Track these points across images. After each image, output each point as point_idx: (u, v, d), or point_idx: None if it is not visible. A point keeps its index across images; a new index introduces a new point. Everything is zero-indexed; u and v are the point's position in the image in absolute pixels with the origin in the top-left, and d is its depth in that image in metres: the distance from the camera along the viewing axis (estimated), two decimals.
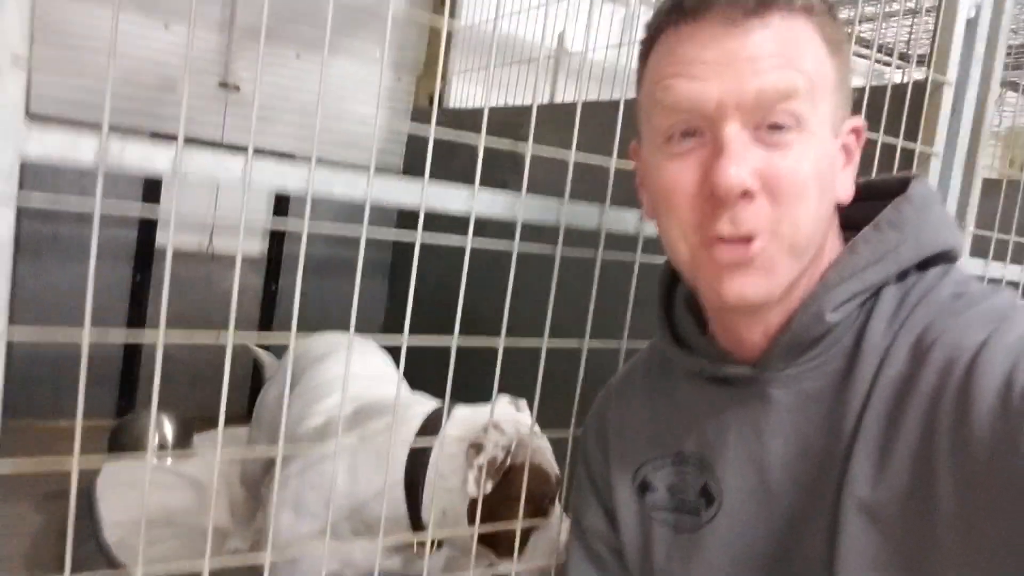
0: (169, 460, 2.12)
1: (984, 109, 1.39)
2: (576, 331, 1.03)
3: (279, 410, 1.73)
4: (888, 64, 3.15)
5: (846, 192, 0.69)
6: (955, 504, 0.56)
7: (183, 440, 2.17)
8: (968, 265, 1.44)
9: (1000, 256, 1.47)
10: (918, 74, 1.41)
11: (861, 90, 1.40)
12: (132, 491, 1.89)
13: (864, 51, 3.05)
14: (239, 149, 2.60)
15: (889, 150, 1.28)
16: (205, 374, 2.62)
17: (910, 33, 2.73)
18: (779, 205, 0.62)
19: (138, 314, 2.65)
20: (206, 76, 2.54)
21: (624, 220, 1.03)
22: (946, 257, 0.69)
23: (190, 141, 2.11)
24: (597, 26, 3.10)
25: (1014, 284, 1.52)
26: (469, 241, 0.95)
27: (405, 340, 0.93)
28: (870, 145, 1.24)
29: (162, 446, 2.12)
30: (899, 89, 1.34)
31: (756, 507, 0.70)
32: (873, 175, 1.27)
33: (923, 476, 0.59)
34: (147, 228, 2.59)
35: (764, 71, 0.61)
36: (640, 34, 0.73)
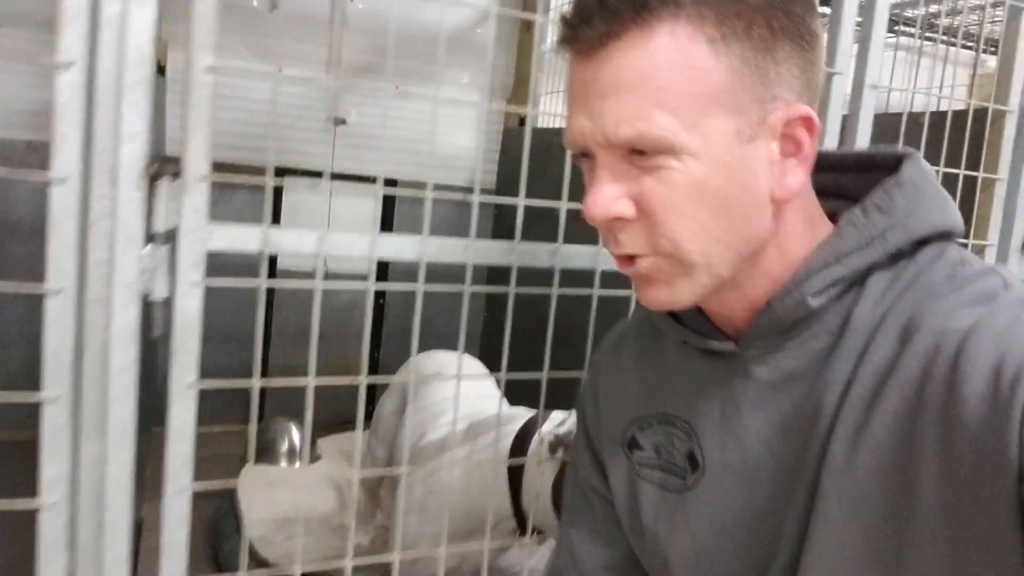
0: (298, 464, 2.37)
1: None
2: None
3: (396, 424, 1.94)
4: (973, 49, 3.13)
5: (785, 188, 0.63)
6: (936, 494, 0.56)
7: (309, 445, 2.42)
8: None
9: None
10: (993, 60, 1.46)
11: (920, 114, 1.47)
12: (269, 491, 2.14)
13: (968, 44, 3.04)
14: (347, 178, 2.91)
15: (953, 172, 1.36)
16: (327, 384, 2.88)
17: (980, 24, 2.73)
18: (655, 226, 0.61)
19: (267, 323, 2.91)
20: (316, 112, 2.79)
21: None
22: (943, 236, 0.66)
23: (302, 173, 2.45)
24: None
25: None
26: (555, 291, 1.12)
27: (504, 375, 1.12)
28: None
29: (292, 451, 2.37)
30: (960, 116, 1.42)
31: (736, 481, 0.70)
32: None
33: (902, 462, 0.58)
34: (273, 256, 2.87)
35: (609, 112, 0.60)
36: None
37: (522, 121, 2.99)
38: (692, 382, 0.75)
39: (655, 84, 0.58)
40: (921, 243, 0.65)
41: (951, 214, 0.67)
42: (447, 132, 3.00)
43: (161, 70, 2.54)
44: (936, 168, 1.34)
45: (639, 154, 0.60)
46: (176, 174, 0.88)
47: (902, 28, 3.14)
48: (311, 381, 0.99)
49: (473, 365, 1.99)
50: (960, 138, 1.38)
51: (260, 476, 2.19)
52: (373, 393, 3.18)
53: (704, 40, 0.59)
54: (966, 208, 1.42)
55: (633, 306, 1.13)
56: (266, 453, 2.33)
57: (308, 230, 0.96)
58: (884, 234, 0.64)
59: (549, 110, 2.98)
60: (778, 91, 0.61)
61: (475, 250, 1.06)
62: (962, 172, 1.37)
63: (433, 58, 2.76)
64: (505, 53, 3.05)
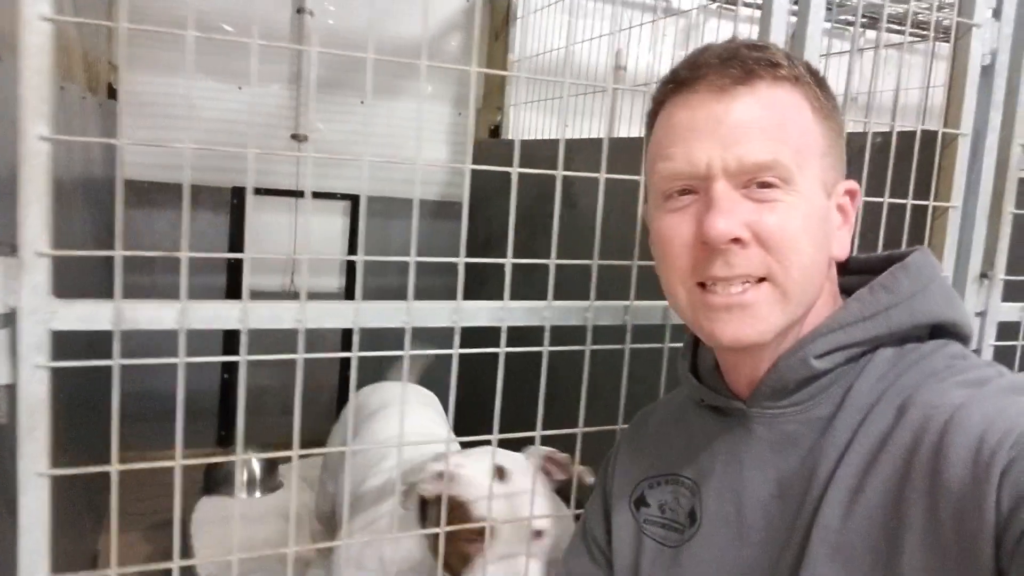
0: (258, 494, 2.32)
1: (1008, 155, 1.35)
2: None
3: (341, 461, 1.87)
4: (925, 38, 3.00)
5: (841, 249, 0.74)
6: (920, 556, 0.60)
7: (269, 474, 2.36)
8: (1002, 311, 1.41)
9: None
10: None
11: (862, 135, 1.38)
12: (223, 525, 2.09)
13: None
14: (313, 195, 2.79)
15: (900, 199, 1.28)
16: (293, 405, 2.82)
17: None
18: (770, 252, 0.68)
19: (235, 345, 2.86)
20: (279, 129, 2.72)
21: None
22: (950, 332, 0.73)
23: (267, 191, 2.36)
24: (660, 43, 3.09)
25: None
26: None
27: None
28: (876, 206, 1.24)
29: (251, 482, 2.32)
30: (907, 138, 1.32)
31: (729, 536, 0.75)
32: (881, 230, 1.27)
33: (891, 525, 0.62)
34: (235, 272, 2.80)
35: (746, 140, 0.67)
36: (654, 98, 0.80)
37: (492, 132, 2.91)
38: (703, 441, 0.80)
39: (784, 124, 0.69)
40: (932, 335, 0.72)
41: (958, 309, 0.74)
42: (414, 145, 2.93)
43: (112, 93, 2.49)
44: (880, 199, 1.26)
45: (761, 186, 0.68)
46: (13, 250, 0.82)
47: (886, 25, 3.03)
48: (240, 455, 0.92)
49: (422, 399, 1.92)
50: (908, 163, 1.29)
51: (214, 509, 2.14)
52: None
53: (809, 108, 0.71)
54: (916, 238, 1.33)
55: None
56: (224, 484, 2.28)
57: (167, 302, 0.89)
58: (888, 311, 0.70)
59: (521, 120, 2.91)
60: (840, 165, 0.74)
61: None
62: (910, 201, 1.28)
63: (398, 71, 2.69)
64: (473, 63, 2.95)
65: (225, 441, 2.84)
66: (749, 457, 0.75)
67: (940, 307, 0.72)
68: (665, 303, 1.13)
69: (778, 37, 1.18)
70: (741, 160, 0.67)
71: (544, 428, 1.08)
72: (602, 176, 1.09)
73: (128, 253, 0.86)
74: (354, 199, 2.92)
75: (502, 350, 1.05)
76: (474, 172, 3.30)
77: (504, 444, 1.08)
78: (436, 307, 1.03)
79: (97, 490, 2.26)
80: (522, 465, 1.23)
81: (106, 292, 0.86)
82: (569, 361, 1.10)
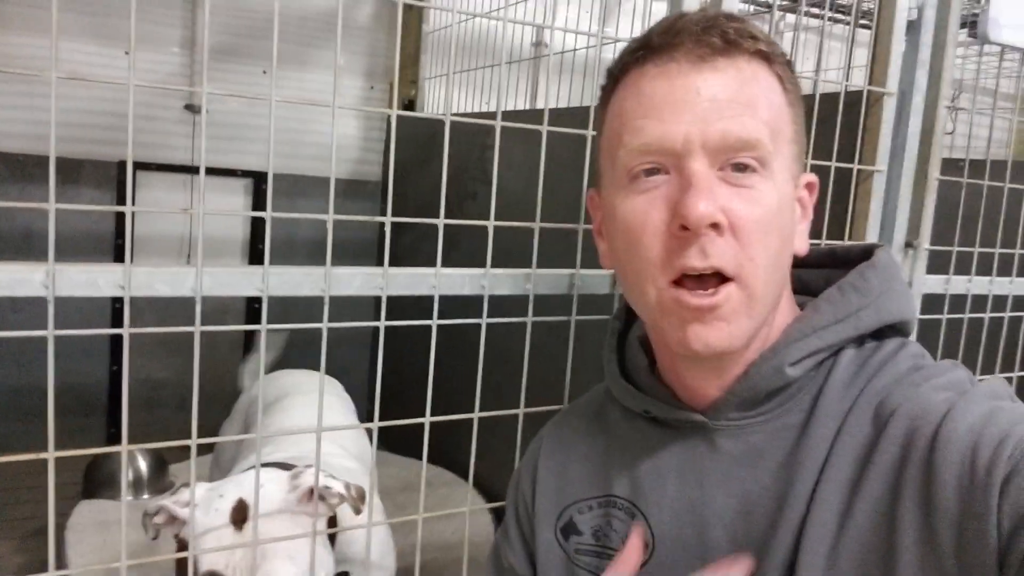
0: (146, 496, 2.13)
1: (935, 117, 1.28)
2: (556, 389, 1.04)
3: (236, 454, 1.71)
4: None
5: (802, 244, 0.70)
6: (917, 571, 0.57)
7: (157, 473, 2.17)
8: (928, 283, 1.34)
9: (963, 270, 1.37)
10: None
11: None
12: (101, 531, 1.90)
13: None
14: (210, 172, 2.57)
15: (825, 163, 1.19)
16: (191, 398, 2.62)
17: None
18: (743, 245, 0.62)
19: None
20: (171, 99, 2.51)
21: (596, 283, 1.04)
22: (900, 329, 0.71)
23: (161, 168, 2.11)
24: (577, 16, 2.99)
25: (982, 298, 1.41)
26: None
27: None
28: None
29: (137, 481, 2.12)
30: (830, 99, 1.24)
31: (690, 561, 0.67)
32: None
33: (885, 550, 0.59)
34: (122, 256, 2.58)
35: (728, 115, 0.62)
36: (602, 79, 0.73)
37: (407, 106, 2.76)
38: (645, 458, 0.73)
39: (763, 102, 0.64)
40: (882, 331, 0.69)
41: (913, 307, 0.73)
42: (323, 119, 2.76)
43: None
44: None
45: (737, 169, 0.63)
46: None
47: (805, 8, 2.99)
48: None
49: (330, 390, 1.76)
50: (832, 126, 1.21)
51: (93, 514, 1.94)
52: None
53: (782, 90, 0.67)
54: (841, 205, 1.25)
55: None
56: (107, 486, 2.08)
57: (33, 263, 0.73)
58: (858, 313, 0.68)
59: (436, 95, 2.77)
60: (802, 156, 0.70)
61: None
62: (833, 164, 1.19)
63: (305, 39, 2.51)
64: (386, 34, 2.82)
65: (115, 438, 2.62)
66: (711, 473, 0.68)
67: (902, 306, 0.70)
68: (571, 271, 1.02)
69: None
70: (725, 135, 0.62)
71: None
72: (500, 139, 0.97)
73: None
74: (257, 176, 2.73)
75: (382, 323, 0.93)
76: (390, 149, 3.14)
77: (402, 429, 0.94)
78: (301, 274, 0.89)
79: None
80: (278, 500, 1.04)
81: None
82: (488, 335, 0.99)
